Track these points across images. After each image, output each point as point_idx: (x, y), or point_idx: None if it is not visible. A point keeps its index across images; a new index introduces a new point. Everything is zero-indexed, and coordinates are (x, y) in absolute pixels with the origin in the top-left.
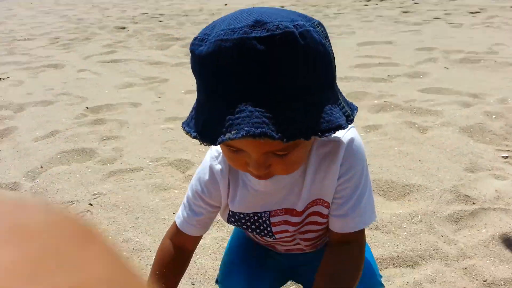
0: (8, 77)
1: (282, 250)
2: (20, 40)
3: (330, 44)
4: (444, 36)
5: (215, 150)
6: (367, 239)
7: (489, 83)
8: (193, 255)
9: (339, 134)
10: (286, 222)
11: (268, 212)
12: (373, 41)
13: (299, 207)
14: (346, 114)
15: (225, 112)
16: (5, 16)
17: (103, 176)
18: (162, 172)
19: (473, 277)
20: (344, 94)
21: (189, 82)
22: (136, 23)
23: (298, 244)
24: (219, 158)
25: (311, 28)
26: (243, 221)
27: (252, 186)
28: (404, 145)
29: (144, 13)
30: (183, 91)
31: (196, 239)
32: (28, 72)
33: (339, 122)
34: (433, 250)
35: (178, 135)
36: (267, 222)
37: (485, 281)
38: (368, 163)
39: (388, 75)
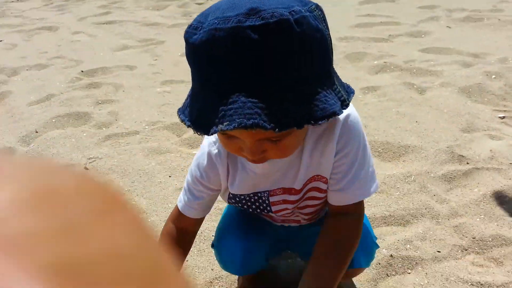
0: (0, 41)
1: (279, 221)
2: (12, 1)
3: (327, 27)
4: None
5: (213, 136)
6: None
7: (491, 42)
8: None
9: None
10: (285, 201)
11: (267, 192)
12: (375, 0)
13: (298, 185)
14: (342, 99)
15: (218, 102)
16: None
17: (99, 140)
18: (158, 135)
19: (462, 235)
20: (344, 55)
21: None
22: None
23: (297, 216)
24: (217, 144)
25: (308, 13)
26: (243, 201)
27: (251, 168)
28: (402, 106)
29: None
30: (179, 53)
31: (198, 221)
32: (21, 35)
33: (333, 109)
34: (425, 209)
35: (174, 98)
36: (267, 202)
37: (474, 238)
38: (365, 125)
39: (389, 35)
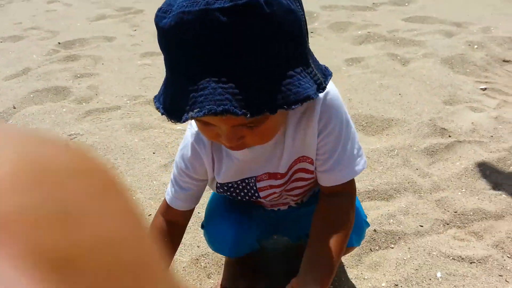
0: None
1: (269, 206)
2: None
3: (301, 7)
4: None
5: (195, 125)
6: None
7: (474, 11)
8: None
9: None
10: (271, 186)
11: (254, 178)
12: None
13: (282, 169)
14: (318, 82)
15: (189, 87)
16: None
17: (79, 116)
18: (140, 111)
19: (444, 209)
20: (327, 24)
21: None
22: None
23: (285, 199)
24: (201, 134)
25: None
26: (232, 189)
27: (235, 156)
28: (385, 78)
29: None
30: None
31: (187, 214)
32: None
33: (308, 92)
34: (408, 183)
35: (155, 71)
36: (254, 188)
37: (456, 212)
38: (349, 98)
39: (373, 3)
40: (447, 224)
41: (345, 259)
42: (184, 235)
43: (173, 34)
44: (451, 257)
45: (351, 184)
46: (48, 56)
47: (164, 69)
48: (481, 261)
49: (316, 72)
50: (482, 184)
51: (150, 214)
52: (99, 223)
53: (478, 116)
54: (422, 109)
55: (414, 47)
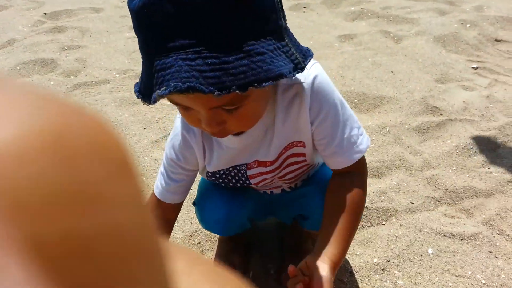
0: None
1: (261, 190)
2: None
3: None
4: None
5: None
6: None
7: None
8: None
9: (301, 74)
10: (261, 173)
11: (245, 165)
12: None
13: (272, 157)
14: (296, 61)
15: (157, 67)
16: None
17: (67, 89)
18: (130, 85)
19: (435, 186)
20: (320, 0)
21: None
22: None
23: (278, 183)
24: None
25: None
26: (223, 176)
27: (225, 144)
28: (378, 55)
29: None
30: None
31: (179, 207)
32: None
33: (281, 70)
34: (399, 160)
35: None
36: (245, 176)
37: (446, 189)
38: (341, 75)
39: None
40: (438, 201)
41: None
42: None
43: (142, 15)
44: (442, 234)
45: (360, 163)
46: (34, 27)
47: None
48: (471, 237)
49: (294, 51)
50: (473, 162)
51: (142, 191)
52: (109, 209)
53: (469, 95)
54: (414, 87)
55: (407, 24)
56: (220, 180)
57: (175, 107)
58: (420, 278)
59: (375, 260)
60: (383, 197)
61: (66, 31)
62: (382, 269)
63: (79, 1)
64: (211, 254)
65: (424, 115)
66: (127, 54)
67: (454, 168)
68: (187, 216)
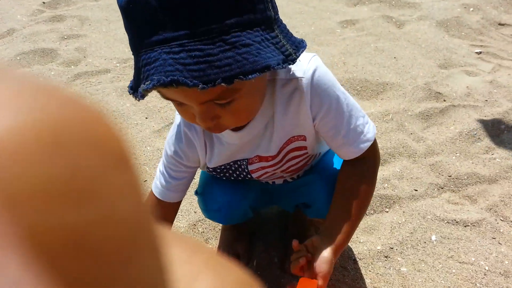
0: None
1: (263, 181)
2: None
3: None
4: None
5: None
6: None
7: None
8: None
9: (299, 67)
10: (263, 168)
11: (246, 160)
12: None
13: (273, 152)
14: (286, 53)
15: (144, 62)
16: None
17: (68, 79)
18: (130, 74)
19: (439, 173)
20: None
21: None
22: None
23: (280, 175)
24: None
25: None
26: (224, 171)
27: (226, 140)
28: (380, 41)
29: None
30: None
31: (178, 205)
32: None
33: (268, 62)
34: (402, 147)
35: None
36: (246, 170)
37: (450, 176)
38: (344, 62)
39: None
40: (442, 188)
41: None
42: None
43: (128, 10)
44: (446, 221)
45: (370, 150)
46: (33, 16)
47: None
48: (475, 224)
49: (285, 42)
50: (476, 148)
51: (146, 180)
52: (107, 199)
53: (472, 80)
54: (417, 73)
55: (409, 9)
56: (221, 174)
57: None
58: (423, 265)
59: (379, 247)
60: (386, 184)
61: (65, 20)
62: (386, 256)
63: None
64: (215, 243)
65: (427, 101)
66: (127, 42)
67: (458, 154)
68: (191, 206)
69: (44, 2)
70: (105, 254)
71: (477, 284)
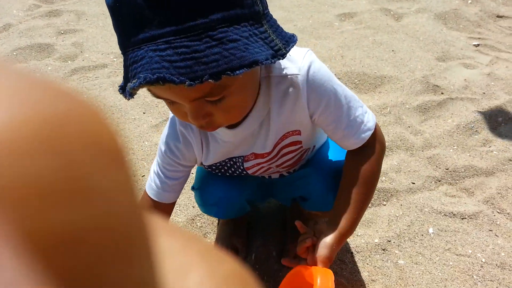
0: None
1: (260, 176)
2: None
3: None
4: None
5: None
6: None
7: None
8: None
9: (293, 64)
10: (258, 164)
11: (242, 157)
12: None
13: (268, 148)
14: (276, 48)
15: (131, 60)
16: None
17: (65, 74)
18: None
19: (436, 166)
20: None
21: None
22: None
23: (275, 170)
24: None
25: None
26: (219, 167)
27: (221, 138)
28: (378, 34)
29: None
30: None
31: (173, 206)
32: None
33: (256, 57)
34: (400, 140)
35: None
36: (242, 167)
37: (447, 169)
38: (342, 55)
39: None
40: (439, 181)
41: None
42: (180, 196)
43: (115, 9)
44: (443, 213)
45: (372, 138)
46: (29, 11)
47: None
48: (472, 216)
49: (274, 37)
50: (474, 141)
51: (144, 175)
52: (103, 199)
53: (470, 73)
54: (415, 66)
55: (407, 2)
56: (217, 171)
57: None
58: (421, 257)
59: (376, 240)
60: (384, 178)
61: (62, 15)
62: (383, 249)
63: None
64: (213, 237)
65: (425, 94)
66: None
67: (455, 147)
68: (189, 200)
69: None
70: (101, 251)
71: (474, 276)
